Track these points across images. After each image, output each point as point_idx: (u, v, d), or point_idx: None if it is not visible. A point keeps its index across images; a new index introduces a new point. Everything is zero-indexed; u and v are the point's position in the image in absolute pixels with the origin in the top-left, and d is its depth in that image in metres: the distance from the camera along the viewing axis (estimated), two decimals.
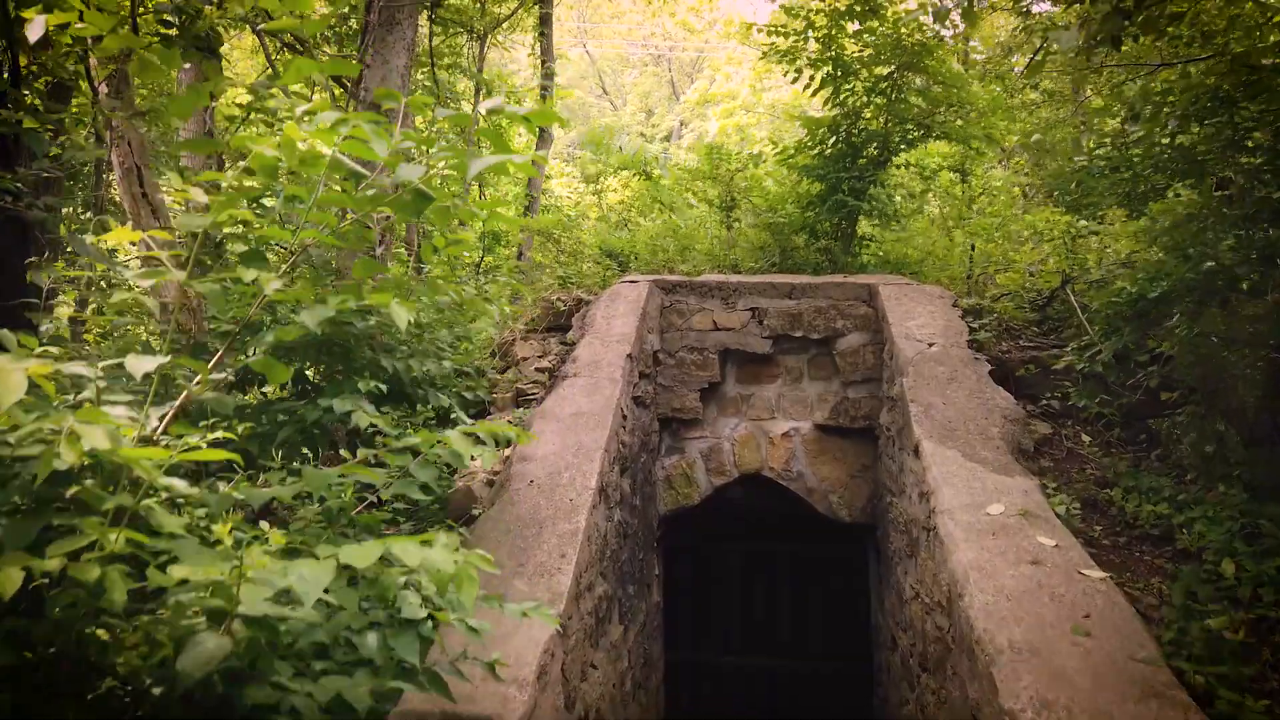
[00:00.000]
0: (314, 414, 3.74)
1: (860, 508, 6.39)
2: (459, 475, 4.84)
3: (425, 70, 10.14)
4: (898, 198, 7.69)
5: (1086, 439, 5.05)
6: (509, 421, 5.30)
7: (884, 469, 5.90)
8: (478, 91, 11.02)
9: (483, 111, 2.54)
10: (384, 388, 4.13)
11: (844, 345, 6.30)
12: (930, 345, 5.40)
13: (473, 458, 2.85)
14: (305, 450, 4.05)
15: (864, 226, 7.54)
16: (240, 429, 3.50)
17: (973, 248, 7.41)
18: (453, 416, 4.75)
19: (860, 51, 7.16)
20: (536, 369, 5.76)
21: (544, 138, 11.76)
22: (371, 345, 4.32)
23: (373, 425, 3.28)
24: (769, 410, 6.54)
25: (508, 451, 4.91)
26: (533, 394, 5.61)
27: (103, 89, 4.82)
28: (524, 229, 10.03)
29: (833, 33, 7.08)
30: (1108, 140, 6.21)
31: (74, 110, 5.74)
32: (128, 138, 4.88)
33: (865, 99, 7.29)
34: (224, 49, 8.67)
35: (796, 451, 6.50)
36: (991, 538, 3.71)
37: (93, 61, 4.68)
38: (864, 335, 6.28)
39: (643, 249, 7.82)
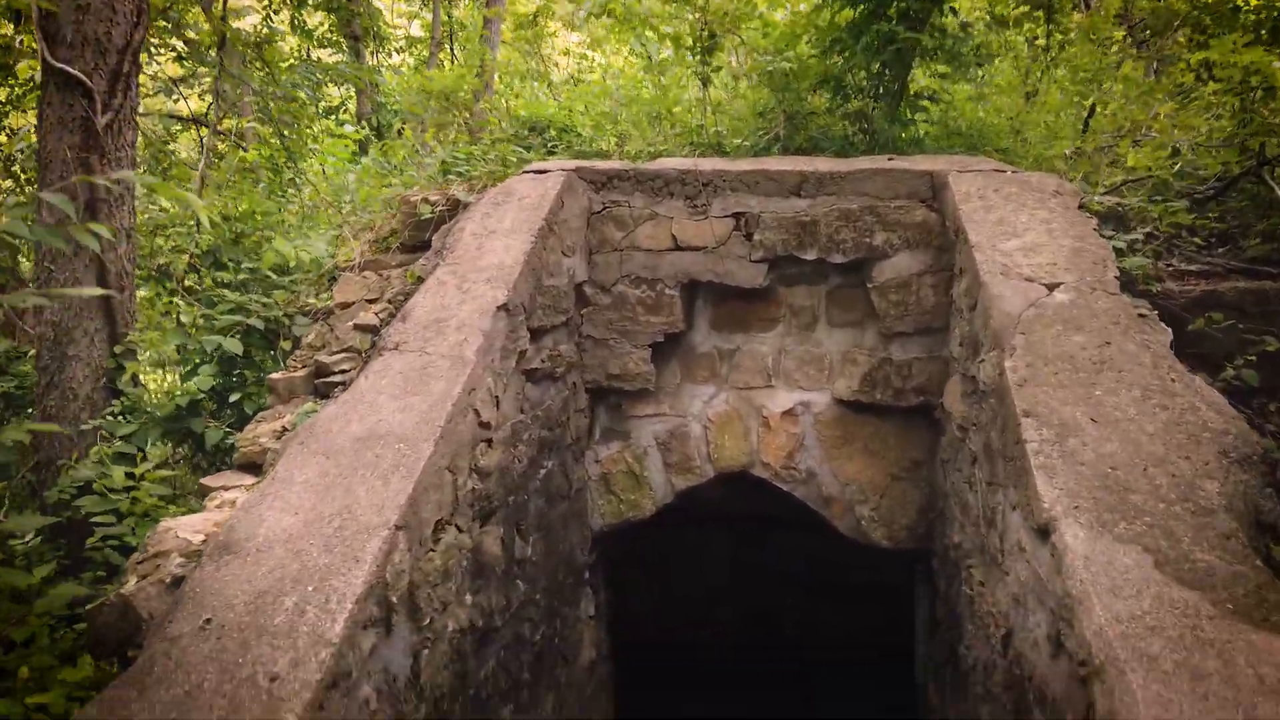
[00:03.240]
0: None
1: (906, 526, 4.04)
2: (137, 560, 2.52)
3: None
4: (978, 28, 4.99)
5: None
6: (263, 442, 2.93)
7: (952, 487, 3.50)
8: None
9: None
10: None
11: (887, 273, 3.80)
12: (1052, 289, 2.91)
13: None
14: None
15: (921, 78, 4.89)
16: None
17: (1091, 109, 4.76)
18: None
19: None
20: (357, 325, 3.35)
21: None
22: None
23: None
24: (763, 374, 4.12)
25: (217, 517, 2.56)
26: (343, 371, 3.22)
27: None
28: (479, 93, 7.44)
29: None
30: None
31: None
32: None
33: None
34: None
35: (806, 439, 4.11)
36: None
37: None
38: (921, 256, 3.77)
39: (583, 121, 5.22)
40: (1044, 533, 2.18)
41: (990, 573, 2.78)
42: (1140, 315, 2.80)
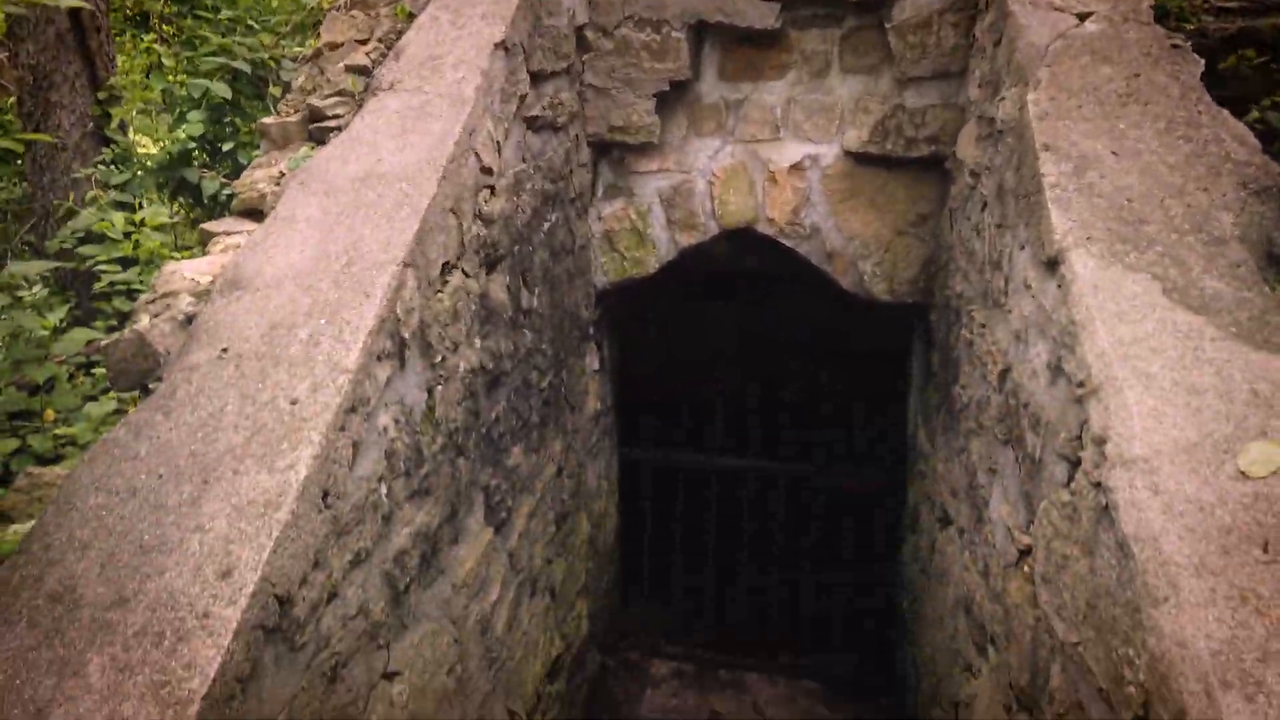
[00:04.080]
0: None
1: (907, 280, 4.06)
2: (147, 301, 2.53)
3: None
4: None
5: None
6: (260, 188, 2.87)
7: (959, 237, 3.48)
8: None
9: None
10: None
11: (907, 11, 3.59)
12: (1083, 19, 2.74)
13: None
14: None
15: None
16: None
17: None
18: None
19: None
20: (349, 66, 3.19)
21: None
22: None
23: None
24: (770, 126, 3.99)
25: (222, 260, 2.55)
26: (337, 116, 3.10)
27: None
28: None
29: None
30: None
31: None
32: None
33: None
34: None
35: (813, 194, 4.04)
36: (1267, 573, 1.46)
37: None
38: None
39: None
40: (1053, 264, 2.18)
41: (992, 315, 2.82)
42: (1173, 46, 2.65)
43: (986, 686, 2.50)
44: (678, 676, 4.86)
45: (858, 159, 3.92)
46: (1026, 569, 2.18)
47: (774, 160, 4.00)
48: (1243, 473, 1.61)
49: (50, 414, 2.82)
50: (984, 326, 2.89)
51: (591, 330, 4.32)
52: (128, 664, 1.48)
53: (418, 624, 2.41)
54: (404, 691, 2.29)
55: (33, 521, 1.77)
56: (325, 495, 1.86)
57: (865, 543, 5.21)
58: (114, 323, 3.35)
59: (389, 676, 2.23)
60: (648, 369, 6.30)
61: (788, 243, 4.11)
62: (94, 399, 2.81)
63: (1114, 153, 2.34)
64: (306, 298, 2.17)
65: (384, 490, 2.17)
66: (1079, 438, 1.90)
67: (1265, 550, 1.49)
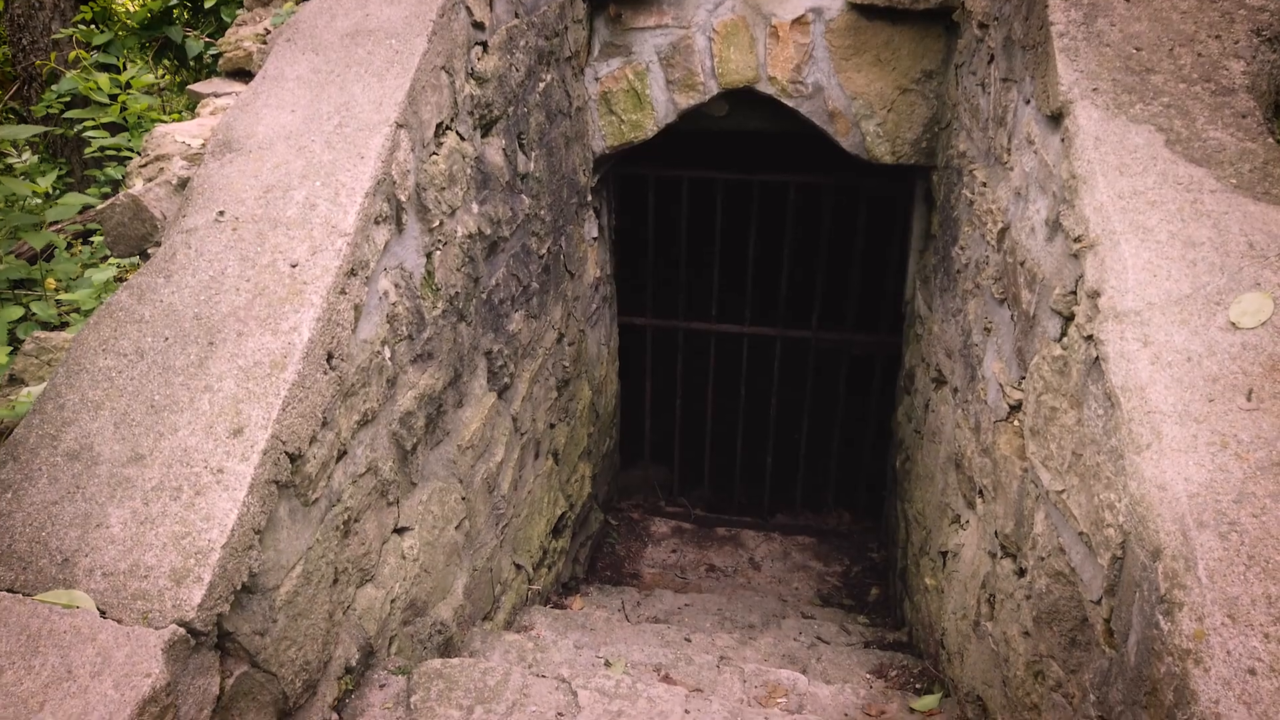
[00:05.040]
0: None
1: (910, 141, 4.00)
2: (140, 165, 2.51)
3: None
4: None
5: None
6: (246, 46, 2.79)
7: (964, 93, 3.41)
8: None
9: None
10: None
11: None
12: None
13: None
14: None
15: None
16: None
17: None
18: None
19: None
20: None
21: None
22: None
23: None
24: None
25: (212, 122, 2.50)
26: None
27: None
28: None
29: None
30: None
31: None
32: None
33: None
34: None
35: (816, 49, 3.92)
36: (1247, 418, 1.50)
37: None
38: None
39: None
40: (1057, 118, 2.14)
41: (994, 172, 2.78)
42: None
43: (973, 537, 2.60)
44: (677, 534, 5.05)
45: (863, 11, 3.79)
46: (1016, 423, 2.24)
47: (777, 14, 3.86)
48: (1233, 324, 1.63)
49: (51, 282, 2.83)
50: (985, 185, 2.86)
51: (590, 197, 4.27)
52: (148, 516, 1.55)
53: (426, 482, 2.49)
54: (414, 545, 2.39)
55: (44, 384, 1.81)
56: (330, 357, 1.89)
57: (860, 404, 5.31)
58: (107, 189, 3.31)
59: (400, 531, 2.33)
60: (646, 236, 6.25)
61: (789, 102, 4.02)
62: (94, 266, 2.82)
63: (1124, 1, 2.26)
64: (300, 159, 2.15)
65: (387, 354, 2.20)
66: (1074, 293, 1.91)
67: (1249, 399, 1.53)
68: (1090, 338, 1.75)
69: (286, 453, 1.71)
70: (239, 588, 1.56)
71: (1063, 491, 1.80)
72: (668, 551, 4.89)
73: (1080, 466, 1.72)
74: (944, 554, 2.97)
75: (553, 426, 3.81)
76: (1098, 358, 1.70)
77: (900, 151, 4.02)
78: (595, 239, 4.46)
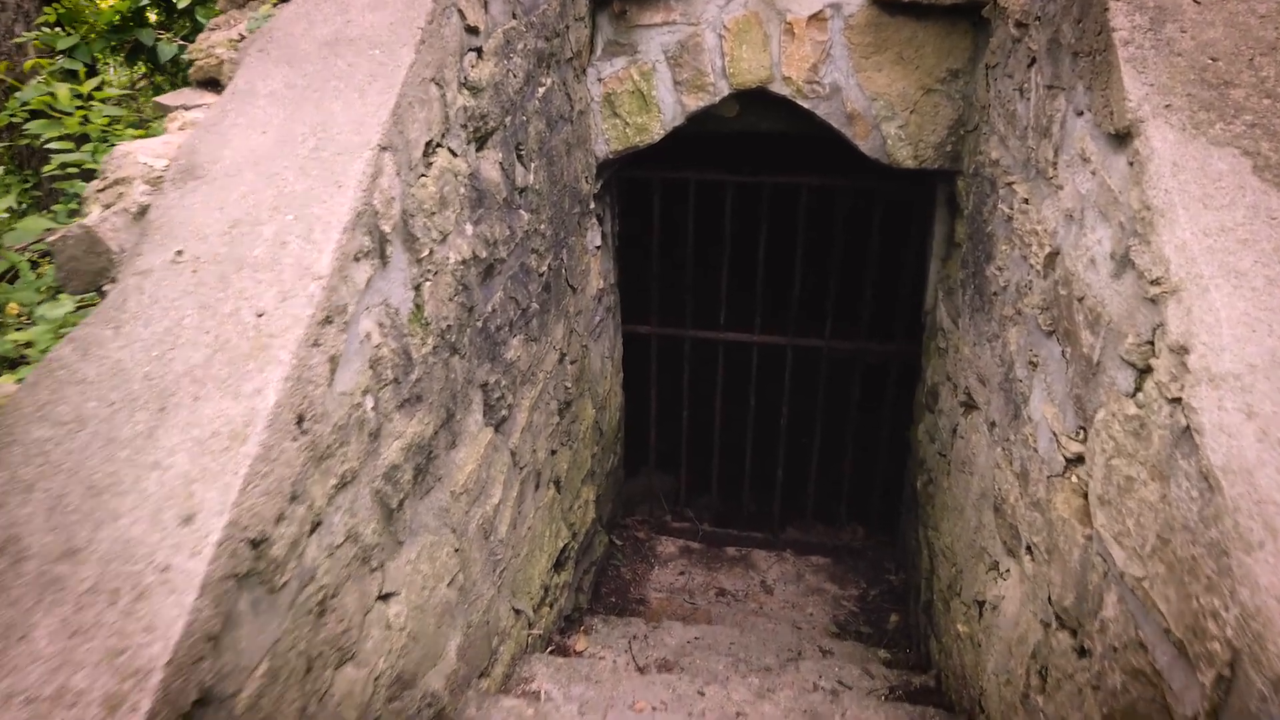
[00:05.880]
0: None
1: (934, 145, 3.75)
2: (98, 189, 2.26)
3: None
4: None
5: None
6: (219, 53, 2.54)
7: (996, 96, 3.16)
8: None
9: None
10: None
11: None
12: None
13: None
14: None
15: None
16: None
17: None
18: None
19: None
20: None
21: None
22: None
23: None
24: None
25: (179, 140, 2.26)
26: None
27: None
28: None
29: None
30: None
31: None
32: None
33: None
34: None
35: (834, 47, 3.67)
36: None
37: None
38: None
39: None
40: (1123, 137, 1.90)
41: (1036, 188, 2.54)
42: None
43: (1016, 592, 2.37)
44: (685, 554, 4.83)
45: (885, 6, 3.53)
46: (1075, 480, 2.00)
47: (792, 9, 3.61)
48: None
49: (14, 307, 2.61)
50: (1026, 202, 2.61)
51: (593, 204, 4.03)
52: (80, 627, 1.32)
53: (415, 538, 2.26)
54: (401, 612, 2.16)
55: None
56: (300, 420, 1.65)
57: (874, 416, 5.08)
58: (75, 206, 3.08)
59: (384, 598, 2.09)
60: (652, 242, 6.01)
61: (805, 104, 3.77)
62: (58, 294, 2.58)
63: (1195, 0, 2.01)
64: (270, 189, 1.91)
65: (370, 404, 1.97)
66: (1150, 343, 1.67)
67: None
68: (1178, 401, 1.51)
69: (248, 539, 1.48)
70: (188, 708, 1.33)
71: (1143, 579, 1.57)
72: (675, 574, 4.67)
73: (1168, 555, 1.49)
74: (981, 603, 2.74)
75: (554, 453, 3.57)
76: (1188, 427, 1.46)
77: (923, 155, 3.77)
78: (598, 248, 4.21)
